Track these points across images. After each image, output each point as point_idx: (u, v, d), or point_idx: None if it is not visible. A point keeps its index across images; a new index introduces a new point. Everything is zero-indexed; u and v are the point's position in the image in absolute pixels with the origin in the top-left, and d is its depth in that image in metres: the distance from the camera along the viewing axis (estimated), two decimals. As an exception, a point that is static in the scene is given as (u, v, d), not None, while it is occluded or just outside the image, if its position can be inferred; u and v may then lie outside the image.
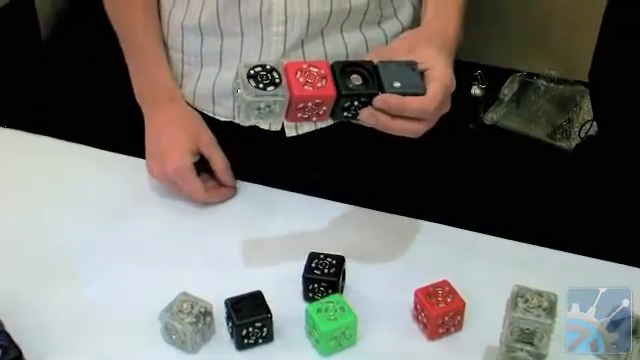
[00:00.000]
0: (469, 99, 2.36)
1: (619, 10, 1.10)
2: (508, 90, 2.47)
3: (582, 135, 2.26)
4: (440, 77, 0.89)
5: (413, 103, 0.86)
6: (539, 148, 2.31)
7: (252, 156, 1.13)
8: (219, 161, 1.09)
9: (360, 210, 1.08)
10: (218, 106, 1.12)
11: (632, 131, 1.14)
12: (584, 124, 2.27)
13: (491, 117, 2.40)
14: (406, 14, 1.11)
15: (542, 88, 2.48)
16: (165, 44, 1.13)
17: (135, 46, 1.12)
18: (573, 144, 2.28)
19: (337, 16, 1.05)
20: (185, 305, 0.89)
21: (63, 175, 1.15)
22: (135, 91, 1.13)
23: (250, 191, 1.11)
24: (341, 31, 1.07)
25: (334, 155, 1.15)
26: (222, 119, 1.12)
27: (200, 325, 0.89)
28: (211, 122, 1.12)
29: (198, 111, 1.13)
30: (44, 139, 1.22)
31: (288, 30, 1.03)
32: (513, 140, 2.35)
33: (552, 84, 2.49)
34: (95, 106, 2.39)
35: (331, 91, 0.84)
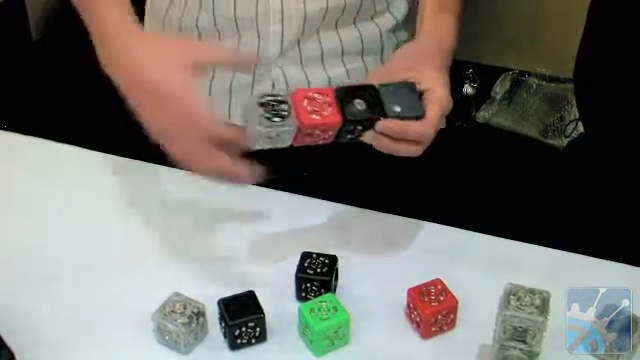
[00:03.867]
0: (461, 97, 2.37)
1: (602, 8, 1.10)
2: (500, 88, 2.48)
3: (570, 133, 2.26)
4: (438, 101, 0.91)
5: (413, 128, 0.88)
6: (531, 146, 2.32)
7: (255, 159, 1.14)
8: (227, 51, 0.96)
9: (352, 209, 1.08)
10: (214, 107, 1.11)
11: (617, 129, 1.15)
12: (571, 122, 2.28)
13: (483, 115, 2.41)
14: (399, 8, 1.12)
15: (534, 86, 2.49)
16: None
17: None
18: (565, 142, 2.29)
19: (332, 13, 1.05)
20: (178, 305, 0.89)
21: (54, 176, 1.14)
22: (98, 51, 0.93)
23: (242, 191, 1.11)
24: (336, 27, 1.07)
25: (326, 155, 1.15)
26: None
27: (193, 325, 0.88)
28: None
29: None
30: (35, 140, 1.22)
31: (285, 29, 1.04)
32: (505, 138, 2.36)
33: (544, 82, 2.50)
34: (86, 107, 2.38)
35: (337, 118, 0.87)
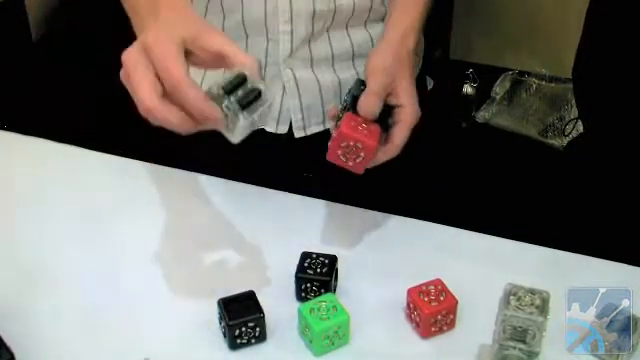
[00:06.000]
0: (461, 97, 2.37)
1: (601, 7, 1.10)
2: (500, 88, 2.48)
3: (570, 133, 2.26)
4: (407, 119, 0.94)
5: (380, 157, 0.94)
6: (531, 146, 2.33)
7: (255, 159, 1.13)
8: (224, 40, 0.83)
9: (352, 209, 1.08)
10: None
11: (617, 127, 1.15)
12: (570, 121, 2.28)
13: (483, 115, 2.41)
14: None
15: (534, 86, 2.49)
16: None
17: None
18: (564, 142, 2.29)
19: (342, 14, 1.05)
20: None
21: (54, 176, 1.14)
22: (132, 18, 0.89)
23: (243, 191, 1.11)
24: (346, 28, 1.07)
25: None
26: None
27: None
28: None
29: None
30: (35, 140, 1.22)
31: (294, 28, 1.03)
32: (505, 138, 2.36)
33: (544, 82, 2.50)
34: (86, 107, 2.38)
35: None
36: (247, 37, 1.05)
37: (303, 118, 1.10)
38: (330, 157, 0.92)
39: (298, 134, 1.11)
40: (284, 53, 1.05)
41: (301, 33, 1.04)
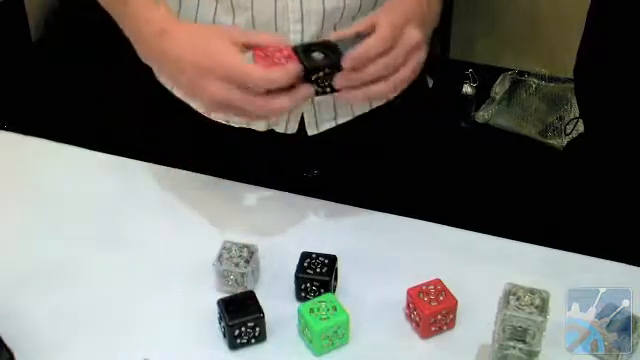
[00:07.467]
0: (461, 97, 2.37)
1: (603, 6, 1.11)
2: (499, 88, 2.48)
3: (570, 133, 2.27)
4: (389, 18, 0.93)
5: (370, 41, 0.90)
6: (530, 146, 2.33)
7: (255, 159, 1.13)
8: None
9: (352, 209, 1.08)
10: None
11: (617, 127, 1.15)
12: (570, 121, 2.28)
13: (482, 115, 2.41)
14: None
15: (533, 86, 2.49)
16: None
17: None
18: (564, 142, 2.29)
19: (349, 11, 1.05)
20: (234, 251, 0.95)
21: (52, 176, 1.14)
22: (133, 42, 0.99)
23: (242, 191, 1.11)
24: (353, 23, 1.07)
25: (326, 155, 1.15)
26: (237, 125, 1.12)
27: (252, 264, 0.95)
28: (225, 130, 1.12)
29: (211, 123, 1.12)
30: (35, 140, 1.22)
31: (305, 27, 1.03)
32: (504, 138, 2.37)
33: (543, 82, 2.50)
34: (86, 107, 2.38)
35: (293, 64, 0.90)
36: None
37: (315, 114, 1.10)
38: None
39: (311, 131, 1.11)
40: None
41: (311, 32, 1.04)
